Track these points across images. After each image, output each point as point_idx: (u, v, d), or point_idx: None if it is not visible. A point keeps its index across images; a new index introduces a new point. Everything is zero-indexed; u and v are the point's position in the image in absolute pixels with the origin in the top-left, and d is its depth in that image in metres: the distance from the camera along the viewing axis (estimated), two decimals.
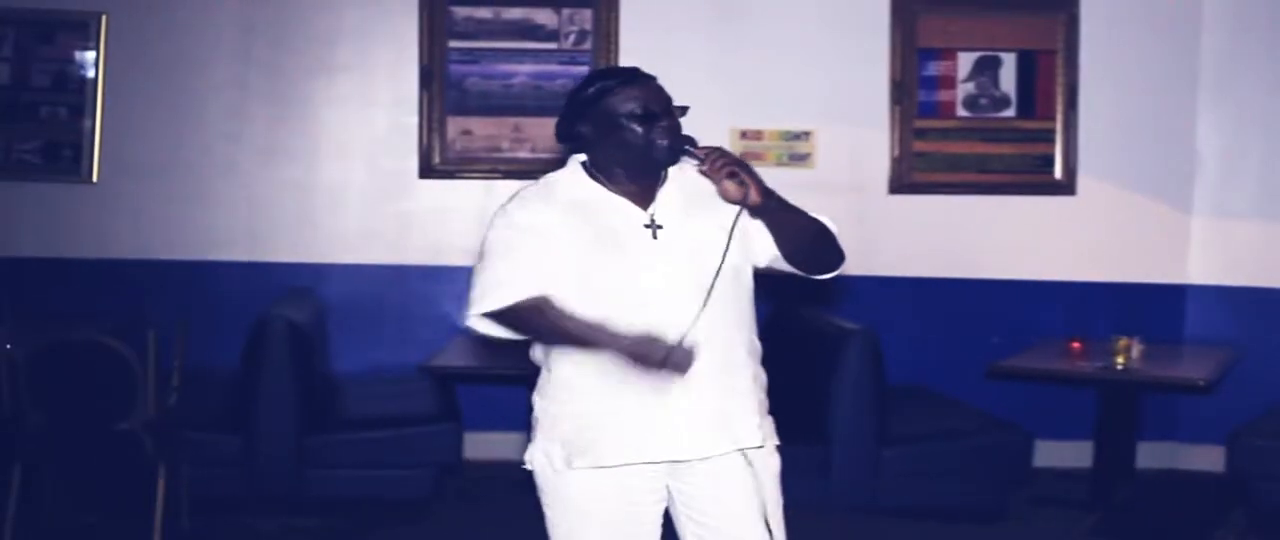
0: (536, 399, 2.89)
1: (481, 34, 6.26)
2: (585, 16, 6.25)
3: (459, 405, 5.76)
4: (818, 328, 5.56)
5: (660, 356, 2.65)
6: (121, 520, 4.99)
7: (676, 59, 5.83)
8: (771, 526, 2.85)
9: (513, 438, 5.88)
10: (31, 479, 4.76)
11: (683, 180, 2.85)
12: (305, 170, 6.35)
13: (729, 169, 2.69)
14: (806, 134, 6.31)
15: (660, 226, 2.79)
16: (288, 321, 5.33)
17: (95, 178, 6.25)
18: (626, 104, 2.77)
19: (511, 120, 6.26)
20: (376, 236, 6.35)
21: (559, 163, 2.96)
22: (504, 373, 5.27)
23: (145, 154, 6.26)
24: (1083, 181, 6.34)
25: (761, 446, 2.85)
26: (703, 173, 2.74)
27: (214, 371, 5.65)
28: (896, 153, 6.32)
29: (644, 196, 2.82)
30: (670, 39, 6.18)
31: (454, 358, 5.66)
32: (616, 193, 2.82)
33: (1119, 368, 5.31)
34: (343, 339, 6.23)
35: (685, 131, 2.81)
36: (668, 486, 2.88)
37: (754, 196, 2.69)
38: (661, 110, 2.78)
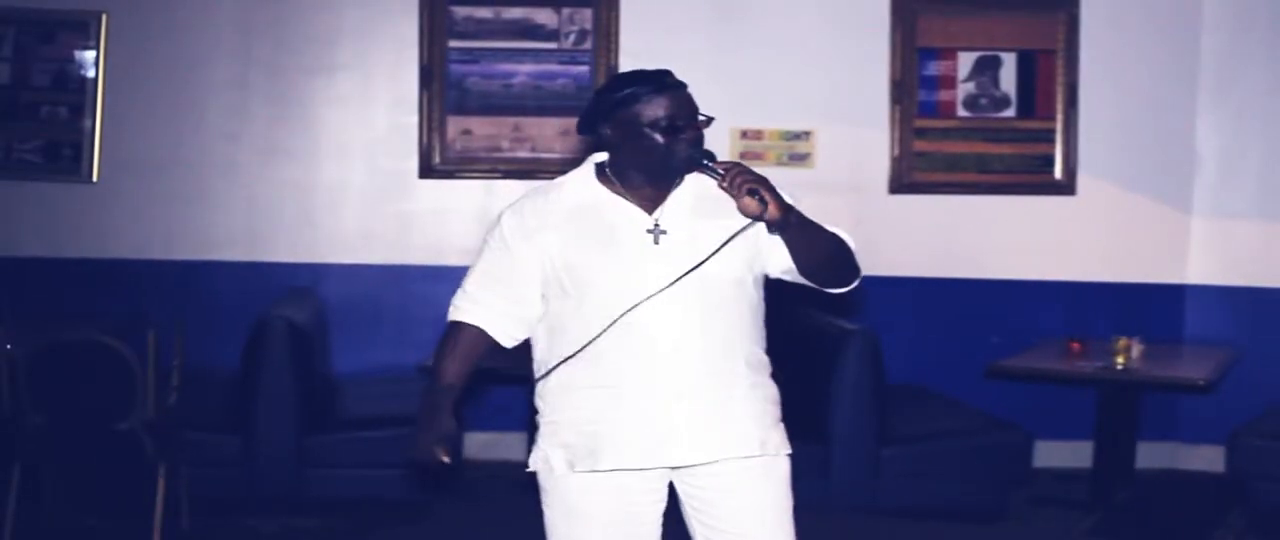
0: (537, 403, 2.91)
1: (481, 34, 6.26)
2: (585, 16, 6.25)
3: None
4: (818, 328, 5.55)
5: (422, 461, 2.92)
6: (121, 520, 4.99)
7: (676, 59, 5.65)
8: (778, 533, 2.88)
9: (513, 438, 5.94)
10: (31, 479, 4.76)
11: (697, 186, 2.85)
12: (305, 170, 6.35)
13: (749, 186, 2.69)
14: (806, 134, 6.31)
15: (664, 231, 2.80)
16: (287, 321, 5.33)
17: (95, 177, 6.25)
18: (653, 113, 2.77)
19: (511, 120, 6.25)
20: (376, 236, 6.35)
21: (563, 161, 2.97)
22: (504, 373, 5.26)
23: (145, 153, 6.26)
24: (1083, 181, 6.34)
25: (760, 456, 2.86)
26: (723, 189, 2.74)
27: (214, 371, 5.65)
28: (896, 152, 6.31)
29: (655, 201, 2.83)
30: (670, 39, 6.17)
31: None
32: (625, 196, 2.82)
33: (1119, 368, 5.32)
34: (342, 339, 6.24)
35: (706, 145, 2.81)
36: (675, 486, 2.90)
37: (773, 213, 2.69)
38: (686, 122, 2.78)
